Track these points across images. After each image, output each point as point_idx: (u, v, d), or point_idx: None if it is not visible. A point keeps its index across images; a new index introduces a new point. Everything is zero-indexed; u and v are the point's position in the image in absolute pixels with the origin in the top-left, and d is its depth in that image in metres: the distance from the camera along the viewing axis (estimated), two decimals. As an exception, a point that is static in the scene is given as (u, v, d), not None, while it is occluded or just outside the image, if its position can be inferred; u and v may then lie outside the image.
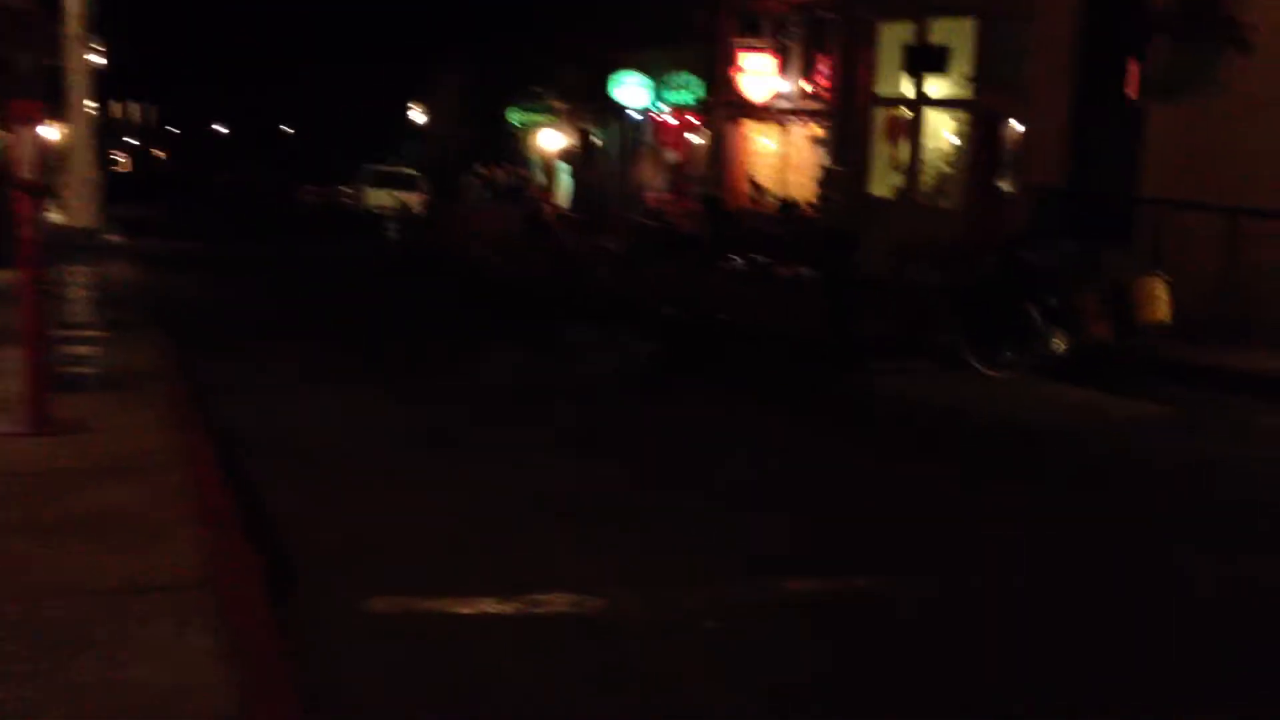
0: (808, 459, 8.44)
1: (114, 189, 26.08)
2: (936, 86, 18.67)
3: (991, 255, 11.73)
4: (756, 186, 23.61)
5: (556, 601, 5.32)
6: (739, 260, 16.04)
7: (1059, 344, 10.77)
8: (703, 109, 25.29)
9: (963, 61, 18.07)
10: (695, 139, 26.91)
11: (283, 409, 9.39)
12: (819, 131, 22.13)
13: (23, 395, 7.62)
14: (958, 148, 18.59)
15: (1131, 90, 13.69)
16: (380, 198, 36.69)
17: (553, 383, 11.11)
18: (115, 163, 66.15)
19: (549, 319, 15.66)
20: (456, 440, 8.62)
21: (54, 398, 7.77)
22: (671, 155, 28.38)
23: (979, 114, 17.80)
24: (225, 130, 78.23)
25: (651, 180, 28.71)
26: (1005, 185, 17.25)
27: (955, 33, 18.27)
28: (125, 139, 75.25)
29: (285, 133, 71.67)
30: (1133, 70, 13.63)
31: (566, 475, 7.69)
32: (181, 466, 6.77)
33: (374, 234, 30.69)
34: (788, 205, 19.53)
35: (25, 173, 7.88)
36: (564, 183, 32.56)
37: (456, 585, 5.50)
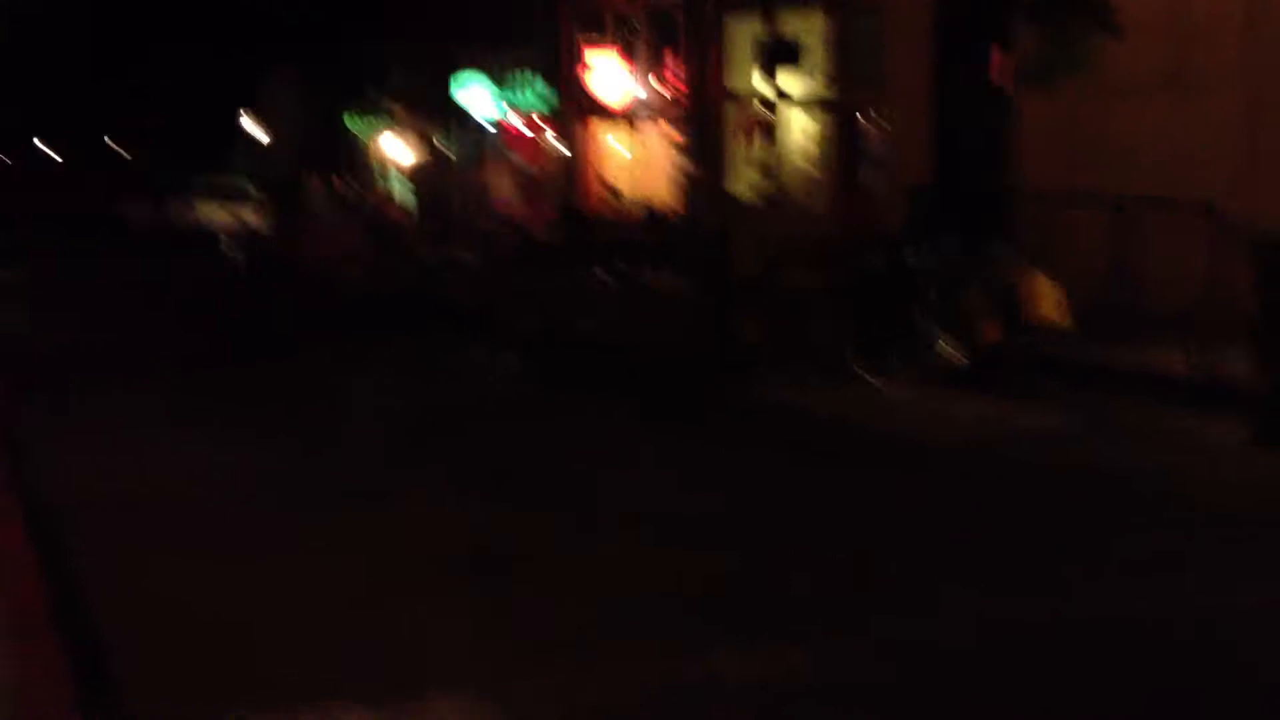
0: (712, 483, 7.84)
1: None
2: (793, 83, 18.23)
3: (871, 256, 11.22)
4: (612, 191, 22.96)
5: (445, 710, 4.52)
6: (601, 268, 15.38)
7: (948, 348, 10.31)
8: (551, 111, 24.54)
9: (818, 56, 17.66)
10: (545, 143, 26.16)
11: (118, 460, 8.44)
12: (674, 132, 21.57)
13: None
14: (819, 145, 18.18)
15: (998, 77, 13.34)
16: (214, 212, 35.12)
17: (423, 410, 10.32)
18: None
19: (407, 336, 14.82)
20: (324, 487, 7.78)
21: None
22: (520, 160, 27.57)
23: (839, 110, 17.41)
24: (45, 147, 74.85)
25: (500, 187, 27.88)
26: (871, 183, 16.88)
27: (807, 27, 17.85)
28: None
29: (108, 146, 68.75)
30: (997, 57, 13.28)
31: (455, 525, 6.94)
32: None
33: (210, 251, 29.30)
34: (652, 211, 18.94)
35: None
36: (406, 191, 31.50)
37: (324, 687, 4.67)
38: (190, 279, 23.50)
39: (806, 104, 18.34)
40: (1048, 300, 10.27)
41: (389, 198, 29.88)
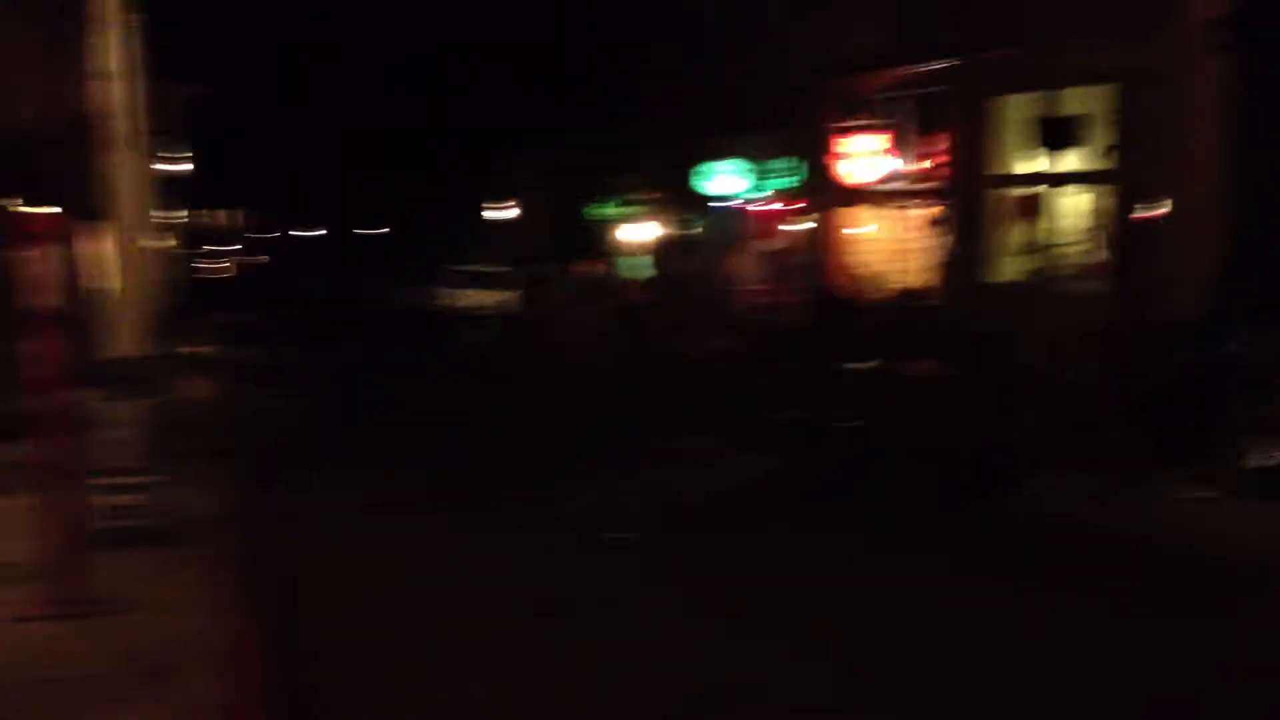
0: (993, 626, 6.86)
1: (217, 296, 25.08)
2: (1069, 162, 17.13)
3: (1177, 347, 10.06)
4: (866, 276, 22.09)
5: None
6: (860, 357, 14.56)
7: (1267, 455, 9.07)
8: (804, 194, 23.91)
9: (1098, 133, 16.52)
10: (796, 227, 25.51)
11: (367, 557, 8.03)
12: (933, 213, 20.62)
13: (40, 561, 6.32)
14: (1097, 227, 16.96)
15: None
16: (471, 297, 35.73)
17: (668, 511, 9.66)
18: (224, 269, 66.67)
19: (653, 427, 14.27)
20: (573, 603, 7.17)
21: (81, 561, 6.46)
22: (770, 245, 26.98)
23: (1120, 189, 16.19)
24: (319, 233, 78.39)
25: (749, 272, 27.33)
26: (1156, 267, 15.58)
27: (1085, 102, 16.74)
28: (222, 245, 75.66)
29: (374, 234, 71.43)
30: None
31: (709, 657, 6.20)
32: (220, 665, 5.37)
33: (466, 335, 29.76)
34: (909, 294, 18.00)
35: (49, 298, 6.66)
36: (652, 276, 31.28)
37: None
38: (437, 362, 23.68)
39: (1083, 183, 17.19)
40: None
41: (634, 284, 29.65)
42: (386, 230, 69.40)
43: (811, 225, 24.56)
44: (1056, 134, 16.72)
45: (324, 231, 75.94)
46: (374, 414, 15.84)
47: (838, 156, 20.70)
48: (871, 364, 13.77)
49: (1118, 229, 16.31)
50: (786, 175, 25.14)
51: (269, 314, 38.84)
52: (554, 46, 36.92)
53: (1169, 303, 15.11)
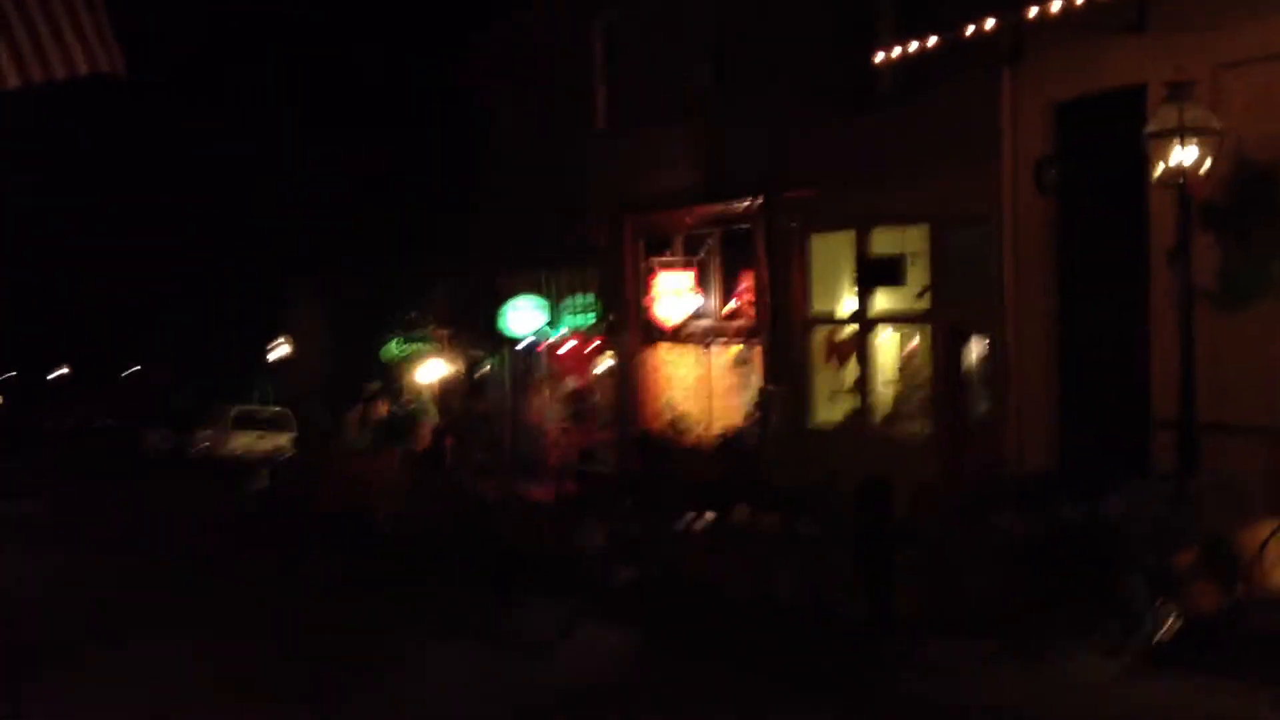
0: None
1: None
2: (889, 301, 17.20)
3: (1043, 499, 9.77)
4: (677, 418, 21.71)
5: None
6: (693, 506, 14.02)
7: (1167, 619, 8.75)
8: (608, 332, 23.53)
9: (918, 272, 16.62)
10: (600, 366, 25.10)
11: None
12: (744, 353, 20.45)
13: None
14: (916, 368, 16.97)
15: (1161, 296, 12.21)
16: (244, 441, 34.06)
17: (510, 707, 8.75)
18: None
19: (477, 592, 13.35)
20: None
21: None
22: (571, 384, 26.49)
23: (941, 329, 16.23)
24: (65, 371, 74.45)
25: (550, 412, 26.72)
26: (985, 410, 15.58)
27: (904, 241, 16.86)
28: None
29: (127, 372, 68.22)
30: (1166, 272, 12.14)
31: None
32: None
33: (238, 483, 28.00)
34: (731, 438, 17.65)
35: None
36: (446, 418, 30.31)
37: None
38: (211, 513, 22.16)
39: (899, 323, 17.23)
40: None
41: (426, 426, 28.67)
42: (141, 368, 66.42)
43: (612, 364, 24.17)
44: (871, 273, 16.80)
45: (77, 368, 72.17)
46: (140, 584, 14.46)
47: (652, 291, 20.40)
48: (711, 516, 13.26)
49: (938, 370, 16.31)
50: (585, 312, 24.78)
51: (6, 461, 35.90)
52: (334, 176, 36.11)
53: (999, 446, 15.09)
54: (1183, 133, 10.67)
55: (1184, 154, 10.70)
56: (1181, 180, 10.85)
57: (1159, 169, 10.97)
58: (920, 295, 16.38)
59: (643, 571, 12.90)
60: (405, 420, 29.79)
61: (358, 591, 13.79)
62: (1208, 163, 10.82)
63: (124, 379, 68.30)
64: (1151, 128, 11.00)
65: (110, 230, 51.40)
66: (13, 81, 6.84)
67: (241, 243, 43.77)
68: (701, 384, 21.85)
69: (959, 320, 15.96)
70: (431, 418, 28.07)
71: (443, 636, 11.13)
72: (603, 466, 17.00)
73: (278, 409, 36.41)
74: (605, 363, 24.85)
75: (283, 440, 33.70)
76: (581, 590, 12.77)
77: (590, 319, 24.54)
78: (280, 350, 43.84)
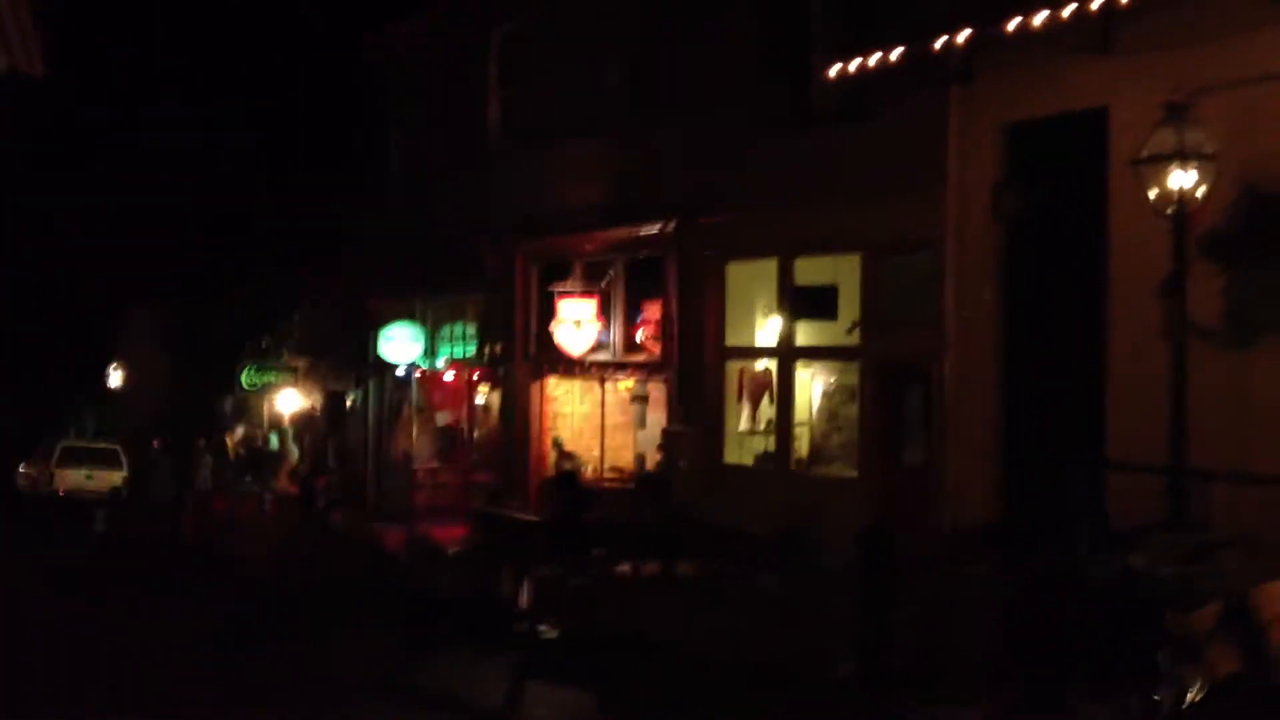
0: None
1: None
2: (814, 333, 16.59)
3: (1092, 560, 9.06)
4: (567, 454, 20.78)
5: None
6: (618, 551, 13.13)
7: (1192, 683, 8.15)
8: (491, 363, 22.49)
9: (846, 303, 16.05)
10: (479, 399, 24.05)
11: None
12: (640, 388, 19.64)
13: None
14: (842, 406, 16.37)
15: (1124, 330, 11.78)
16: (74, 479, 32.00)
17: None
18: None
19: (390, 645, 12.21)
20: None
21: None
22: (445, 417, 25.36)
23: (870, 364, 15.64)
24: None
25: (419, 447, 25.50)
26: (920, 450, 15.02)
27: (834, 270, 16.29)
28: None
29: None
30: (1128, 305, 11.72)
31: None
32: None
33: (71, 524, 26.15)
34: (649, 479, 16.78)
35: None
36: (308, 453, 28.85)
37: None
38: (50, 560, 20.41)
39: (824, 358, 16.63)
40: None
41: (288, 462, 27.23)
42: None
43: (493, 398, 23.15)
44: (799, 304, 16.18)
45: None
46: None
47: (554, 321, 19.46)
48: (654, 567, 12.38)
49: (868, 409, 15.72)
50: (464, 342, 23.73)
51: None
52: (187, 185, 34.15)
53: (933, 490, 14.53)
54: (1183, 157, 10.22)
55: (1184, 178, 10.26)
56: (1176, 207, 10.40)
57: (1153, 194, 10.51)
58: (850, 329, 15.75)
59: (579, 625, 11.96)
60: (262, 456, 28.34)
61: (259, 643, 12.57)
62: (1203, 189, 10.41)
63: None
64: (1146, 151, 10.53)
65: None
66: None
67: (71, 260, 41.11)
68: (592, 421, 20.97)
69: (893, 355, 15.38)
70: (291, 454, 26.68)
71: (377, 697, 10.05)
72: (510, 510, 15.96)
73: (108, 444, 34.36)
74: (484, 396, 23.82)
75: (115, 478, 31.83)
76: (510, 645, 11.78)
77: (466, 350, 23.49)
78: (113, 379, 41.64)
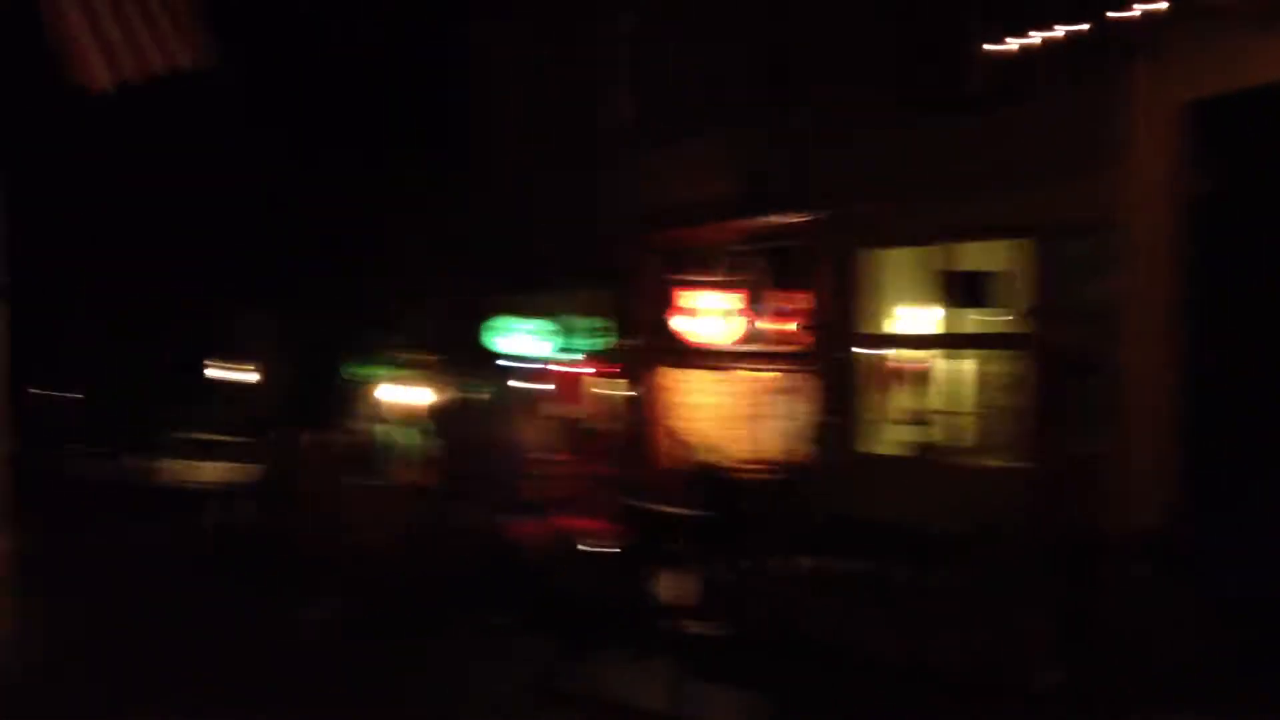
0: None
1: None
2: (969, 321, 15.73)
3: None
4: (699, 446, 20.07)
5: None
6: (769, 549, 12.38)
7: None
8: (617, 356, 21.85)
9: (1009, 290, 15.15)
10: (602, 391, 23.41)
11: None
12: (785, 380, 18.89)
13: None
14: (999, 396, 15.48)
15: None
16: (184, 469, 31.84)
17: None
18: None
19: (542, 647, 11.54)
20: None
21: None
22: (567, 410, 24.74)
23: (1038, 353, 14.73)
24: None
25: (541, 440, 24.90)
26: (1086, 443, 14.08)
27: (990, 256, 15.41)
28: None
29: (65, 397, 64.57)
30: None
31: None
32: None
33: (183, 517, 25.90)
34: (785, 470, 15.95)
35: None
36: (422, 446, 28.32)
37: None
38: (164, 555, 20.03)
39: (988, 347, 15.72)
40: None
41: (412, 457, 26.71)
42: (80, 394, 62.90)
43: (625, 391, 22.51)
44: (959, 291, 15.32)
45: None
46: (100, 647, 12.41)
47: (680, 314, 18.75)
48: (810, 563, 11.62)
49: (1032, 399, 14.81)
50: (592, 335, 23.10)
51: None
52: (301, 183, 33.79)
53: (1103, 488, 13.59)
54: None
55: None
56: None
57: None
58: (1022, 315, 14.86)
59: (738, 624, 11.22)
60: (378, 450, 27.92)
61: (399, 640, 11.95)
62: None
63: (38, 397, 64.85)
64: None
65: (48, 239, 48.47)
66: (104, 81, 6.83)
67: (188, 253, 41.00)
68: (726, 413, 20.28)
69: (1061, 344, 14.45)
70: (419, 448, 26.22)
71: (541, 703, 9.38)
72: (662, 504, 15.22)
73: (230, 437, 34.19)
74: (614, 390, 23.19)
75: (247, 468, 31.57)
76: (666, 646, 11.05)
77: (597, 343, 22.87)
78: (236, 374, 41.58)
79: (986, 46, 14.40)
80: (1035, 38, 13.90)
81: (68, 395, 61.58)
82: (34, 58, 7.59)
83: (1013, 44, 14.19)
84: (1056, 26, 13.71)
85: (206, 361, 42.40)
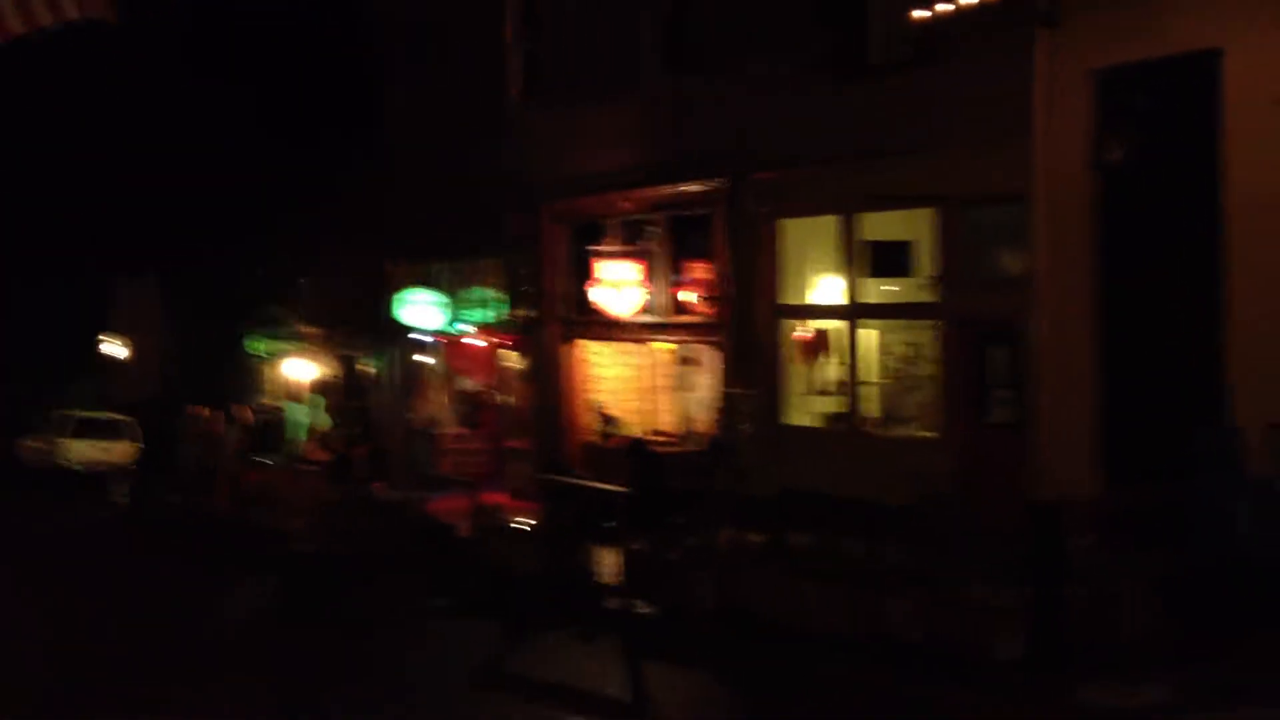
0: None
1: None
2: (881, 290, 15.67)
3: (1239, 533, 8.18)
4: (606, 418, 19.83)
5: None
6: (700, 524, 12.14)
7: None
8: (521, 328, 21.42)
9: (921, 258, 15.11)
10: (506, 364, 22.98)
11: None
12: (687, 350, 18.69)
13: None
14: (915, 364, 15.46)
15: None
16: (83, 450, 30.69)
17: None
18: None
19: (479, 627, 11.23)
20: None
21: None
22: (469, 383, 24.28)
23: (951, 321, 14.72)
24: None
25: (444, 415, 24.43)
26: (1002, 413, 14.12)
27: (904, 224, 15.34)
28: None
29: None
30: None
31: None
32: None
33: (89, 497, 25.04)
34: (717, 443, 15.79)
35: None
36: (321, 421, 27.61)
37: None
38: (77, 537, 19.25)
39: (905, 316, 15.65)
40: None
41: (314, 432, 26.02)
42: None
43: (522, 363, 22.12)
44: (875, 260, 15.23)
45: None
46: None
47: (590, 284, 18.43)
48: (758, 538, 11.36)
49: (948, 368, 14.80)
50: (486, 306, 22.64)
51: None
52: (183, 148, 32.36)
53: (1023, 454, 13.62)
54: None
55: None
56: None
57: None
58: (929, 284, 14.81)
59: (677, 601, 11.01)
60: (278, 426, 27.17)
61: (336, 622, 11.55)
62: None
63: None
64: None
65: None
66: (15, 28, 6.96)
67: (62, 223, 39.13)
68: (632, 384, 20.02)
69: (975, 312, 14.44)
70: (319, 423, 25.56)
71: (486, 685, 9.07)
72: (586, 480, 14.91)
73: (120, 415, 33.00)
74: (511, 361, 22.78)
75: (130, 449, 30.55)
76: (607, 625, 10.81)
77: (491, 314, 22.40)
78: (113, 349, 40.11)
79: (895, 11, 14.25)
80: (944, 3, 13.75)
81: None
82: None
83: (922, 9, 14.03)
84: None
85: (101, 336, 40.66)
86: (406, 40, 23.91)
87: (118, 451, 30.20)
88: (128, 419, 32.04)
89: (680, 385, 19.07)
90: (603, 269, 18.39)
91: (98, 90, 34.36)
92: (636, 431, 18.93)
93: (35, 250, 40.34)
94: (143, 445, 29.91)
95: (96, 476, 27.79)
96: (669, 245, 18.49)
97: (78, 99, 35.11)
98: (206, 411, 26.98)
